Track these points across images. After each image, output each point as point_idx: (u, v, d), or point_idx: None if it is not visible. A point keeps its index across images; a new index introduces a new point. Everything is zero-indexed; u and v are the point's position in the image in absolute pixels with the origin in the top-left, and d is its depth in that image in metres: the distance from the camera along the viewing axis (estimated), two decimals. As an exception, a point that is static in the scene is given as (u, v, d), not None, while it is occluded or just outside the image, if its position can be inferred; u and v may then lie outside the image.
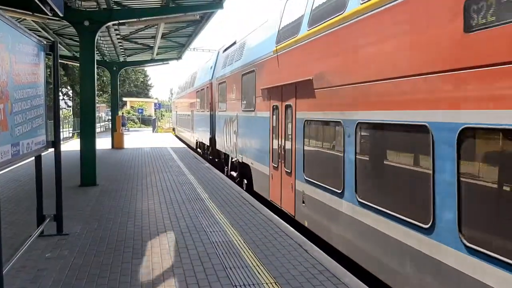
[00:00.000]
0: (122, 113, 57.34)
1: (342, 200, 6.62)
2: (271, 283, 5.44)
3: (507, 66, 3.64)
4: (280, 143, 9.65)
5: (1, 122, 5.27)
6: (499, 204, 3.89)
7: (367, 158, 6.16)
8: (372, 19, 5.83)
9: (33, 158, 7.31)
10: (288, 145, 9.14)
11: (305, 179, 8.14)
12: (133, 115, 64.74)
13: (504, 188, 3.82)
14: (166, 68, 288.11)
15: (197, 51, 57.97)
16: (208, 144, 20.35)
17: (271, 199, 10.36)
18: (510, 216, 3.70)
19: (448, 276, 4.31)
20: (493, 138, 3.97)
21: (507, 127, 3.64)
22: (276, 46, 9.66)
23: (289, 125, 9.06)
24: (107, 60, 27.42)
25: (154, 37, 20.75)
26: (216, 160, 19.05)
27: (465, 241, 4.08)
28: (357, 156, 6.21)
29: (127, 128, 53.53)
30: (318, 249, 6.83)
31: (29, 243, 6.53)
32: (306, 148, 8.22)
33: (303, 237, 7.42)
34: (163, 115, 78.67)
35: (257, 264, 6.09)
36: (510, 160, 3.74)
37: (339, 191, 6.69)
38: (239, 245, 6.98)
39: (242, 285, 5.38)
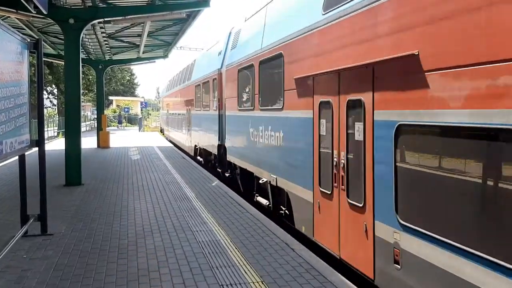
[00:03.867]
0: (120, 112, 58.32)
1: None
2: (257, 282, 5.45)
3: None
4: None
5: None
6: None
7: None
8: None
9: (17, 157, 7.22)
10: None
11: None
12: (119, 113, 64.43)
13: None
14: (153, 67, 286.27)
15: (184, 50, 57.59)
16: None
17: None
18: None
19: None
20: None
21: None
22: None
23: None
24: (93, 59, 27.17)
25: (140, 35, 20.62)
26: None
27: None
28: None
29: (122, 127, 54.19)
30: (305, 248, 6.85)
31: (12, 243, 6.45)
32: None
33: (290, 236, 7.44)
34: (150, 114, 78.31)
35: (243, 263, 6.09)
36: None
37: None
38: (225, 244, 6.97)
39: (229, 284, 5.38)
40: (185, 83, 22.20)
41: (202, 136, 17.66)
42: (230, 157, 12.85)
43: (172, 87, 29.69)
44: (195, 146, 19.21)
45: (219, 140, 14.28)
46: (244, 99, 11.43)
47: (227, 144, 13.18)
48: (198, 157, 18.68)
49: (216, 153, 14.86)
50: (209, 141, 15.96)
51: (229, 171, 13.42)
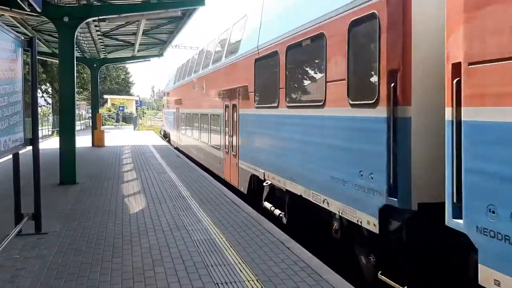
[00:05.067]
0: (117, 111, 59.21)
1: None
2: (252, 280, 5.45)
3: None
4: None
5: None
6: None
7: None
8: None
9: (11, 155, 7.18)
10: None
11: None
12: (114, 112, 64.32)
13: None
14: (148, 66, 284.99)
15: (179, 48, 57.44)
16: None
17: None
18: None
19: None
20: None
21: None
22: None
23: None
24: (87, 57, 27.05)
25: (135, 34, 20.55)
26: None
27: None
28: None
29: (120, 125, 54.70)
30: (300, 246, 6.85)
31: (6, 242, 6.41)
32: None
33: (285, 235, 7.44)
34: (145, 113, 78.19)
35: (239, 262, 6.08)
36: None
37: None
38: (221, 243, 6.97)
39: (224, 283, 5.38)
40: (223, 61, 13.10)
41: (290, 163, 7.87)
42: None
43: (189, 74, 19.84)
44: (256, 178, 9.87)
45: (387, 193, 4.98)
46: None
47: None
48: (267, 204, 9.26)
49: (369, 228, 5.38)
50: (331, 187, 6.34)
51: None
